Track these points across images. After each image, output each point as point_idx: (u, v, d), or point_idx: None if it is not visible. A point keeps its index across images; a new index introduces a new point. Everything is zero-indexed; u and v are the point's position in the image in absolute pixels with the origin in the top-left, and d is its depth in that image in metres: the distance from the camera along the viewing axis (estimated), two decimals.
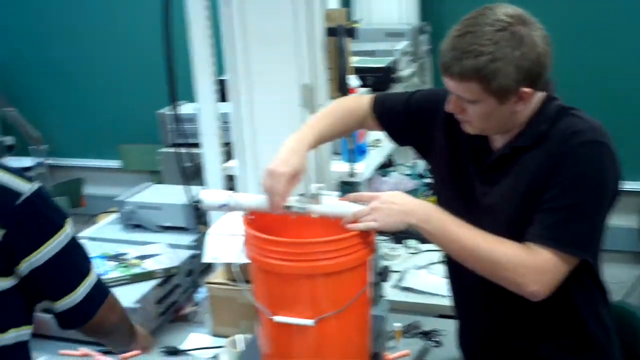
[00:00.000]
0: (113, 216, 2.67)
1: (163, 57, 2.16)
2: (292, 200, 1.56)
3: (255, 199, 1.60)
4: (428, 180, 3.11)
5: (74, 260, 1.44)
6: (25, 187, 1.35)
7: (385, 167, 3.25)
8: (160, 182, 3.01)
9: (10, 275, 1.35)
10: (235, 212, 1.61)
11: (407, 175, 3.10)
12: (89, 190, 4.53)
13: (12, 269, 1.35)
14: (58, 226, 1.39)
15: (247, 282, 1.59)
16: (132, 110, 4.46)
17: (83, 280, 1.43)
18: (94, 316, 1.46)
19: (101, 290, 1.48)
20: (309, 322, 1.46)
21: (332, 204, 1.58)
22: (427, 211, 1.49)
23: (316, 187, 1.58)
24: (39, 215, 1.37)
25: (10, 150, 4.53)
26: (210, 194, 1.61)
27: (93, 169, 4.74)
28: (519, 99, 1.39)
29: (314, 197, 1.56)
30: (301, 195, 1.57)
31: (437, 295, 2.25)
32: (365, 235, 1.51)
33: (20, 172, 1.39)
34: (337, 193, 1.67)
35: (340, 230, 1.51)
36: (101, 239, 2.43)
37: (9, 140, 4.51)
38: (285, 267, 1.46)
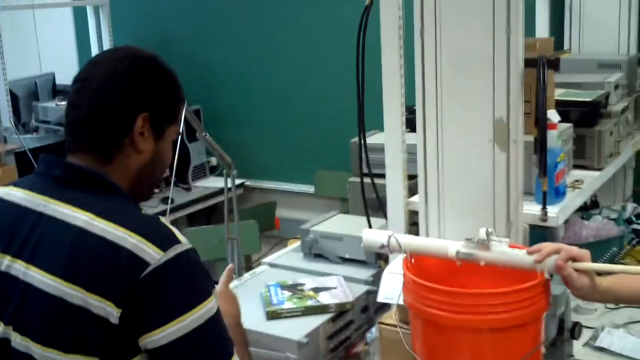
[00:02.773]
0: (298, 243, 2.66)
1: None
2: (459, 245, 1.43)
3: (417, 241, 1.50)
4: (636, 227, 2.81)
5: (213, 342, 1.27)
6: (156, 256, 1.22)
7: (588, 209, 2.98)
8: (348, 211, 2.97)
9: (134, 356, 1.25)
10: (397, 253, 1.51)
11: (612, 219, 2.81)
12: (283, 213, 4.62)
13: (134, 349, 1.24)
14: (197, 301, 1.24)
15: None
16: (329, 137, 4.51)
17: None
18: None
19: None
20: None
21: (503, 251, 1.43)
22: None
23: (485, 231, 1.44)
24: (170, 286, 1.23)
25: (213, 172, 4.76)
26: (371, 233, 1.53)
27: (287, 192, 4.84)
28: None
29: (483, 243, 1.43)
30: (469, 240, 1.44)
31: (635, 359, 1.99)
32: (541, 289, 1.34)
33: (163, 235, 1.26)
34: (507, 240, 1.51)
35: (510, 282, 1.37)
36: (281, 266, 2.42)
37: (213, 161, 4.74)
38: (444, 318, 1.34)
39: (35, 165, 1.44)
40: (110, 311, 1.21)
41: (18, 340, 1.29)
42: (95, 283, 1.22)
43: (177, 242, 1.26)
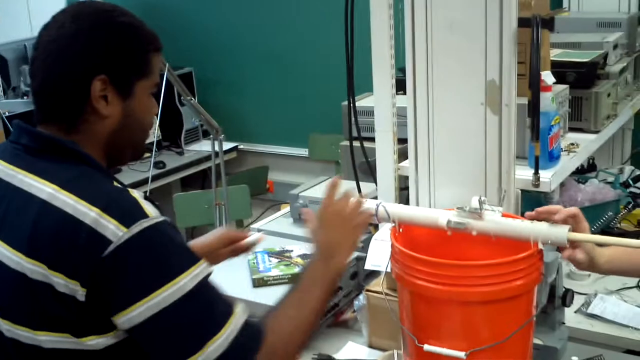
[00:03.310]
0: (288, 208, 2.61)
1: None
2: (450, 214, 1.38)
3: (406, 210, 1.45)
4: (633, 190, 2.76)
5: (193, 318, 1.19)
6: (118, 233, 1.15)
7: (585, 171, 2.93)
8: (341, 174, 2.92)
9: (109, 332, 1.20)
10: (386, 222, 1.46)
11: (609, 183, 2.76)
12: (277, 177, 4.58)
13: (108, 325, 1.19)
14: (166, 278, 1.17)
15: None
16: (323, 99, 4.44)
17: (208, 341, 1.19)
18: None
19: (247, 345, 1.23)
20: (460, 354, 1.28)
21: (496, 220, 1.38)
22: None
23: (478, 200, 1.38)
24: (134, 266, 1.16)
25: (206, 135, 4.69)
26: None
27: (281, 155, 4.78)
28: None
29: (475, 212, 1.37)
30: (460, 208, 1.38)
31: (628, 327, 1.97)
32: (533, 260, 1.30)
33: (127, 209, 1.18)
34: (501, 208, 1.46)
35: (502, 253, 1.32)
36: (270, 232, 2.38)
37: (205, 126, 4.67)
38: (432, 289, 1.29)
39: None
40: (75, 289, 1.16)
41: None
42: (57, 260, 1.16)
43: (143, 216, 1.18)
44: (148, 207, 1.21)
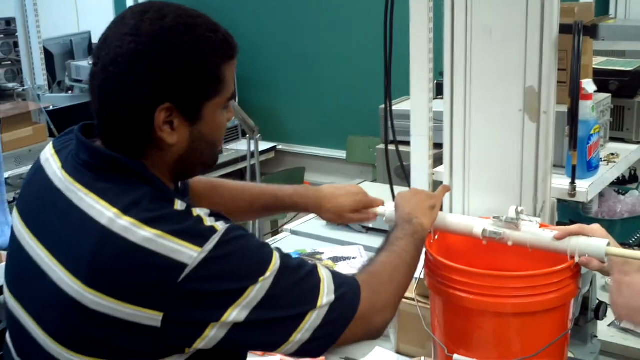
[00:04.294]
0: None
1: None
2: (486, 223, 1.36)
3: (441, 217, 1.43)
4: None
5: (276, 314, 1.16)
6: (193, 255, 1.10)
7: (626, 183, 2.87)
8: (377, 178, 2.92)
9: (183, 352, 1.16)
10: None
11: None
12: (314, 178, 4.58)
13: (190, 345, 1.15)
14: (242, 289, 1.13)
15: None
16: (361, 101, 4.44)
17: (295, 330, 1.17)
18: (334, 343, 1.22)
19: (337, 319, 1.21)
20: None
21: (532, 231, 1.35)
22: None
23: (515, 210, 1.36)
24: (211, 284, 1.11)
25: (245, 135, 4.70)
26: (393, 206, 1.47)
27: (319, 157, 4.80)
28: None
29: (512, 222, 1.35)
30: (497, 218, 1.36)
31: None
32: (570, 273, 1.27)
33: (194, 229, 1.12)
34: (539, 219, 1.43)
35: (538, 264, 1.29)
36: (303, 234, 2.38)
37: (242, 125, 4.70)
38: (467, 300, 1.27)
39: (67, 125, 1.31)
40: (150, 317, 1.11)
41: (30, 325, 1.21)
42: (127, 292, 1.10)
43: (212, 232, 1.13)
44: (214, 223, 1.16)
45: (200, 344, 1.14)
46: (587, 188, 1.87)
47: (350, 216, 1.71)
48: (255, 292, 1.14)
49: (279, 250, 1.24)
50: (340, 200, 1.68)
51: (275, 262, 1.18)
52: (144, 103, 1.15)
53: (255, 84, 4.92)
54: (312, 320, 1.18)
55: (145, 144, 1.18)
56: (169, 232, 1.10)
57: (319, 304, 1.19)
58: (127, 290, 1.10)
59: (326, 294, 1.20)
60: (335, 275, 1.25)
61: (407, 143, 2.23)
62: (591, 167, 1.95)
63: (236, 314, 1.13)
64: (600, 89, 2.13)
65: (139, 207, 1.13)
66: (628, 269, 1.29)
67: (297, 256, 2.13)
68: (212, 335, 1.13)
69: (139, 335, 1.12)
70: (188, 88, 1.16)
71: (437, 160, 2.09)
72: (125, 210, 1.12)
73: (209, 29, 1.21)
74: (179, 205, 1.17)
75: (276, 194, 1.70)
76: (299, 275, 1.21)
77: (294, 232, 2.40)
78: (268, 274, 1.15)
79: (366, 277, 1.29)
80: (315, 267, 1.25)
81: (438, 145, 2.08)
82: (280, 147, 4.86)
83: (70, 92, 4.96)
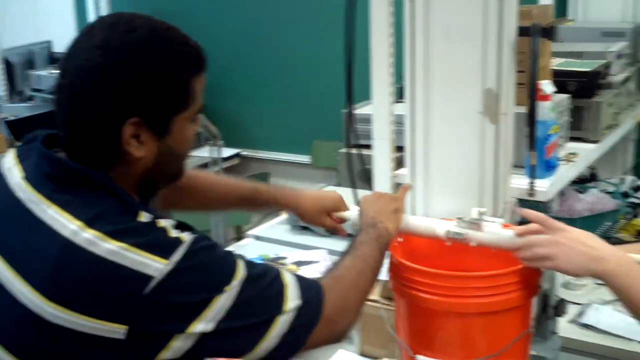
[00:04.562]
0: (285, 215, 2.60)
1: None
2: (449, 225, 1.36)
3: (404, 219, 1.43)
4: (633, 200, 2.74)
5: (243, 322, 1.16)
6: (159, 267, 1.08)
7: (586, 181, 2.91)
8: (340, 182, 2.92)
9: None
10: None
11: (609, 193, 2.74)
12: (279, 183, 4.57)
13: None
14: (208, 299, 1.12)
15: None
16: (326, 106, 4.44)
17: (262, 337, 1.17)
18: (300, 348, 1.23)
19: (303, 324, 1.21)
20: None
21: (495, 231, 1.36)
22: (624, 261, 1.23)
23: (478, 211, 1.37)
24: (177, 296, 1.10)
25: (208, 141, 4.68)
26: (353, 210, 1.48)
27: (284, 162, 4.79)
28: None
29: (475, 223, 1.36)
30: (460, 219, 1.37)
31: (622, 337, 1.94)
32: (532, 272, 1.28)
33: (160, 241, 1.11)
34: (501, 220, 1.44)
35: (501, 264, 1.30)
36: (266, 239, 2.37)
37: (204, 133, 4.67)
38: (431, 301, 1.28)
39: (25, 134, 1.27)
40: (113, 330, 1.08)
41: None
42: (89, 305, 1.07)
43: (178, 244, 1.12)
44: (180, 234, 1.15)
45: (166, 354, 1.12)
46: (546, 187, 1.90)
47: (326, 218, 1.74)
48: (222, 302, 1.13)
49: (242, 257, 1.24)
50: (319, 200, 1.73)
51: (241, 270, 1.18)
52: (112, 117, 1.13)
53: (218, 90, 4.90)
54: (280, 326, 1.19)
55: (111, 157, 1.17)
56: (134, 244, 1.09)
57: (285, 309, 1.19)
58: (90, 304, 1.08)
59: (292, 299, 1.21)
60: (300, 280, 1.26)
61: (370, 147, 2.24)
62: (550, 167, 1.97)
63: (203, 324, 1.12)
64: (559, 90, 2.15)
65: (104, 219, 1.11)
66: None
67: (260, 261, 2.12)
68: (177, 346, 1.12)
69: (101, 348, 1.10)
70: (157, 103, 1.15)
71: (399, 163, 2.10)
72: (90, 223, 1.10)
73: (179, 42, 1.20)
74: (144, 217, 1.16)
75: (256, 188, 1.74)
76: (265, 282, 1.21)
77: (257, 238, 2.40)
78: (234, 283, 1.15)
79: (331, 281, 1.30)
80: (279, 272, 1.25)
81: (400, 148, 2.09)
82: (244, 153, 4.85)
83: (31, 101, 4.90)
